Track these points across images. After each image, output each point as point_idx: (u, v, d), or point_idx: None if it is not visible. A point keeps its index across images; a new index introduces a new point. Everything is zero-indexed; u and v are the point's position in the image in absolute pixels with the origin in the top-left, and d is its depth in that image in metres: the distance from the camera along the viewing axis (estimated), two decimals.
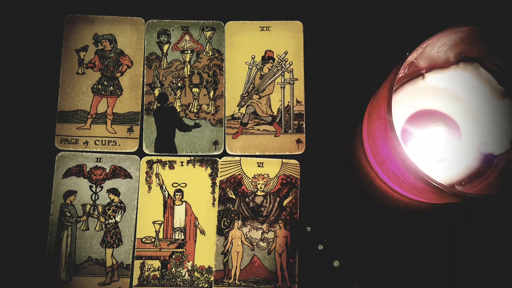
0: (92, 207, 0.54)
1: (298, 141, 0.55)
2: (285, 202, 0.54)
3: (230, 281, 0.53)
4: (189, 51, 0.57)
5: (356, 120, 0.55)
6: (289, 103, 0.56)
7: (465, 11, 0.56)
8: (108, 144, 0.55)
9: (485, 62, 0.48)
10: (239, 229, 0.54)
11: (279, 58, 0.57)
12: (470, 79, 0.49)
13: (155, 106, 0.56)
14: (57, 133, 0.55)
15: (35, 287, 0.53)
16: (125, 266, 0.53)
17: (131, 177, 0.55)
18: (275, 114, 0.56)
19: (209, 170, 0.55)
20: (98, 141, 0.55)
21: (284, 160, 0.55)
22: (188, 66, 0.57)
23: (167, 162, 0.55)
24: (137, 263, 0.54)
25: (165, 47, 0.57)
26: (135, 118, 0.56)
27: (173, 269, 0.53)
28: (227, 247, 0.54)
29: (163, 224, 0.54)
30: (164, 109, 0.56)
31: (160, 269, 0.53)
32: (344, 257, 0.50)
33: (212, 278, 0.53)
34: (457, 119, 0.50)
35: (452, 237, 0.53)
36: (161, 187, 0.55)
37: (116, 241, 0.54)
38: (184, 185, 0.55)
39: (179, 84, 0.56)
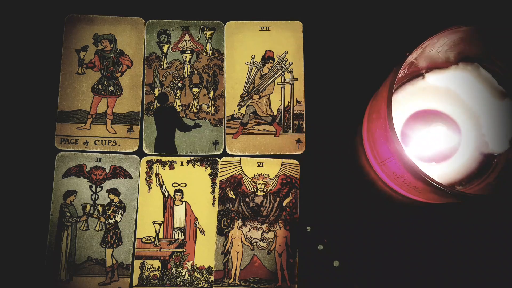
0: (92, 207, 0.54)
1: (298, 141, 0.55)
2: (285, 202, 0.54)
3: (230, 281, 0.53)
4: (189, 51, 0.57)
5: (356, 120, 0.55)
6: (289, 103, 0.56)
7: (465, 11, 0.56)
8: (108, 144, 0.55)
9: (485, 62, 0.48)
10: (239, 229, 0.54)
11: (279, 58, 0.57)
12: (470, 79, 0.49)
13: (155, 106, 0.56)
14: (57, 133, 0.55)
15: (35, 287, 0.53)
16: (125, 266, 0.53)
17: (131, 177, 0.55)
18: (275, 114, 0.56)
19: (209, 170, 0.55)
20: (98, 141, 0.55)
21: (284, 160, 0.55)
22: (188, 66, 0.57)
23: (167, 162, 0.55)
24: (137, 263, 0.54)
25: (165, 47, 0.57)
26: (135, 118, 0.56)
27: (173, 269, 0.53)
28: (227, 247, 0.54)
29: (163, 224, 0.54)
30: (164, 109, 0.56)
31: (160, 269, 0.53)
32: (344, 257, 0.50)
33: (212, 278, 0.53)
34: (457, 119, 0.50)
35: (452, 237, 0.53)
36: (161, 187, 0.55)
37: (116, 241, 0.54)
38: (184, 185, 0.55)
39: (179, 84, 0.56)
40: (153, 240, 0.54)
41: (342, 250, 0.51)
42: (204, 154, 0.55)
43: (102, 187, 0.55)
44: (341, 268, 0.50)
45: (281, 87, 0.56)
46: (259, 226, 0.54)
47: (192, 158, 0.55)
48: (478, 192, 0.47)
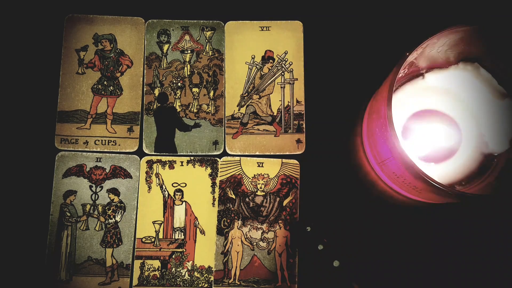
0: (92, 207, 0.54)
1: (298, 141, 0.55)
2: (285, 202, 0.54)
3: (230, 281, 0.53)
4: (189, 51, 0.57)
5: (356, 120, 0.55)
6: (289, 103, 0.56)
7: (465, 11, 0.56)
8: (108, 144, 0.55)
9: (485, 62, 0.48)
10: (239, 229, 0.54)
11: (279, 58, 0.57)
12: (470, 79, 0.49)
13: (155, 106, 0.56)
14: (57, 133, 0.55)
15: (35, 287, 0.53)
16: (125, 266, 0.53)
17: (131, 177, 0.55)
18: (275, 114, 0.56)
19: (209, 170, 0.55)
20: (98, 141, 0.55)
21: (284, 160, 0.55)
22: (188, 66, 0.57)
23: (167, 162, 0.55)
24: (137, 263, 0.54)
25: (165, 47, 0.57)
26: (135, 118, 0.56)
27: (173, 269, 0.53)
28: (227, 247, 0.54)
29: (163, 224, 0.54)
30: (164, 109, 0.56)
31: (160, 269, 0.53)
32: (344, 257, 0.50)
33: (212, 278, 0.53)
34: (457, 119, 0.50)
35: (452, 237, 0.53)
36: (161, 187, 0.55)
37: (116, 241, 0.54)
38: (184, 185, 0.55)
39: (179, 84, 0.56)
40: (153, 240, 0.54)
41: (342, 250, 0.51)
42: (204, 154, 0.55)
43: (102, 187, 0.55)
44: (341, 268, 0.50)
45: (281, 87, 0.56)
46: (259, 226, 0.54)
47: (192, 158, 0.55)
48: (478, 192, 0.47)
